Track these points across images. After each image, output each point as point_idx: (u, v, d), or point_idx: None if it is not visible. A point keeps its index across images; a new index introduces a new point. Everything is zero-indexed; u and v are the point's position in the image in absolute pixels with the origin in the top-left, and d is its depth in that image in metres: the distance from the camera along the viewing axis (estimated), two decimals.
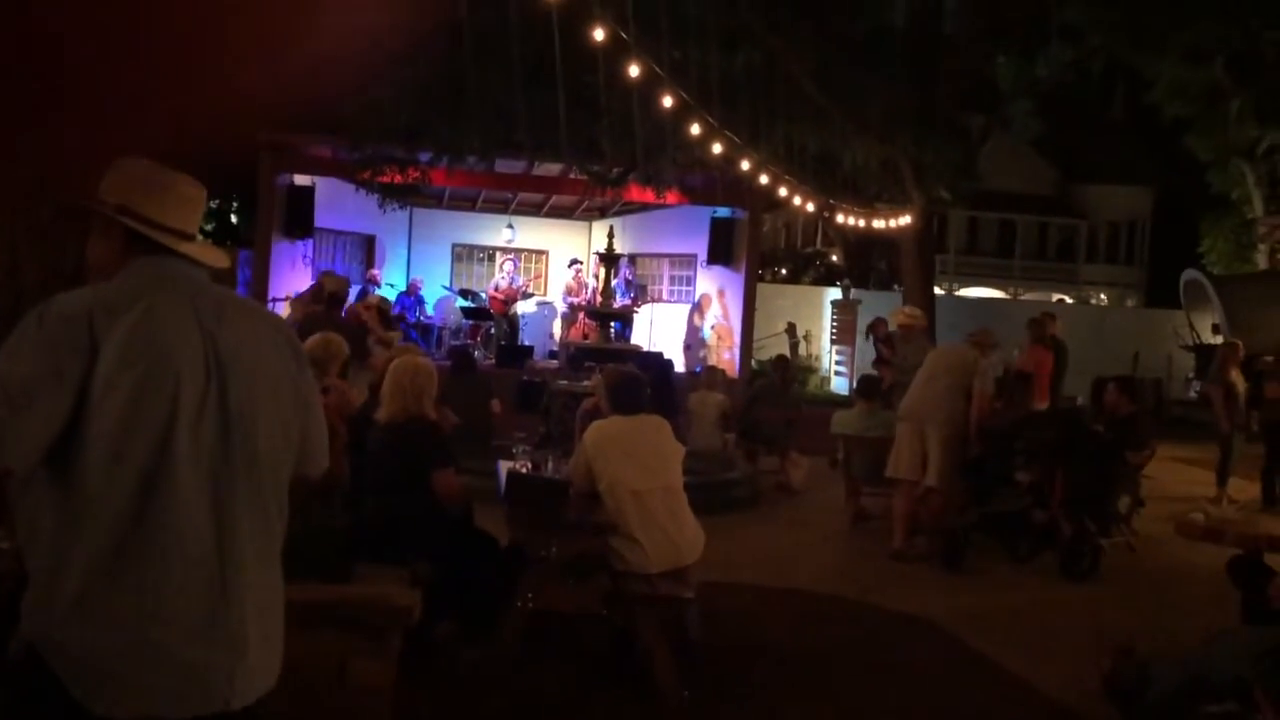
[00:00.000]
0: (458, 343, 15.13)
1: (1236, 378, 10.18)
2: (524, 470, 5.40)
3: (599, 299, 13.02)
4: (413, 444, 4.55)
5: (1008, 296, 35.70)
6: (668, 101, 8.36)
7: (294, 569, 2.17)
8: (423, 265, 16.80)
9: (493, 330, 15.58)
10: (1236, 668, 3.77)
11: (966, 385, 7.37)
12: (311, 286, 10.80)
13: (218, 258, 2.17)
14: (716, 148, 9.56)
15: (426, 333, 15.25)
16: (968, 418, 7.38)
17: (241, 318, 2.06)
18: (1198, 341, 19.53)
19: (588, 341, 12.07)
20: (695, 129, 9.05)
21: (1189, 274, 19.53)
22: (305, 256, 14.88)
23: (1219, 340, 17.17)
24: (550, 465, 5.43)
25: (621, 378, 4.90)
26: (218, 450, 1.92)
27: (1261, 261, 21.06)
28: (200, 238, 2.18)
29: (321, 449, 2.23)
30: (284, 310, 13.43)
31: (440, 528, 4.57)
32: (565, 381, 10.42)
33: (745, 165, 10.35)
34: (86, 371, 1.81)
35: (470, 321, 15.64)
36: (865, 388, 8.80)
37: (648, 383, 5.05)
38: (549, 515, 4.90)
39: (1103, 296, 38.24)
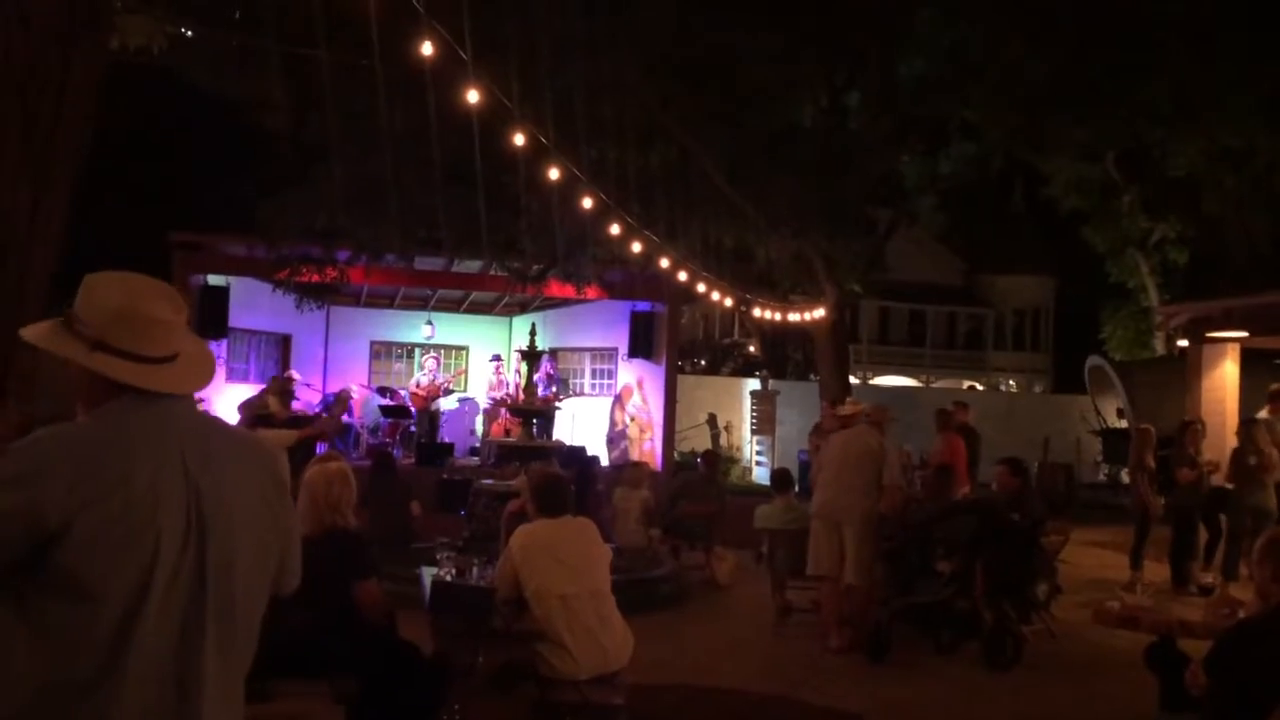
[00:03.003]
0: (376, 441, 14.93)
1: (1150, 462, 10.49)
2: (449, 577, 5.31)
3: (521, 395, 13.00)
4: (333, 557, 4.45)
5: (920, 384, 36.48)
6: (587, 202, 8.51)
7: None
8: (340, 363, 16.63)
9: (413, 428, 15.41)
10: None
11: (877, 476, 7.44)
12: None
13: (200, 375, 2.12)
14: (635, 245, 9.72)
15: (344, 433, 15.01)
16: (878, 509, 7.46)
17: (225, 457, 2.02)
18: (1104, 426, 20.14)
19: (510, 438, 11.99)
20: (614, 228, 9.21)
21: (1093, 360, 20.21)
22: (219, 357, 14.63)
23: (1124, 424, 17.73)
24: (475, 571, 5.35)
25: (546, 480, 4.88)
26: (191, 605, 1.90)
27: (1160, 347, 21.91)
28: (187, 332, 2.13)
29: (295, 570, 2.22)
30: None
31: (363, 640, 4.45)
32: (490, 480, 10.32)
33: (664, 262, 10.53)
34: (63, 517, 1.78)
35: (389, 420, 15.45)
36: (780, 481, 8.88)
37: (571, 481, 5.03)
38: (475, 623, 4.81)
39: (1011, 383, 39.29)
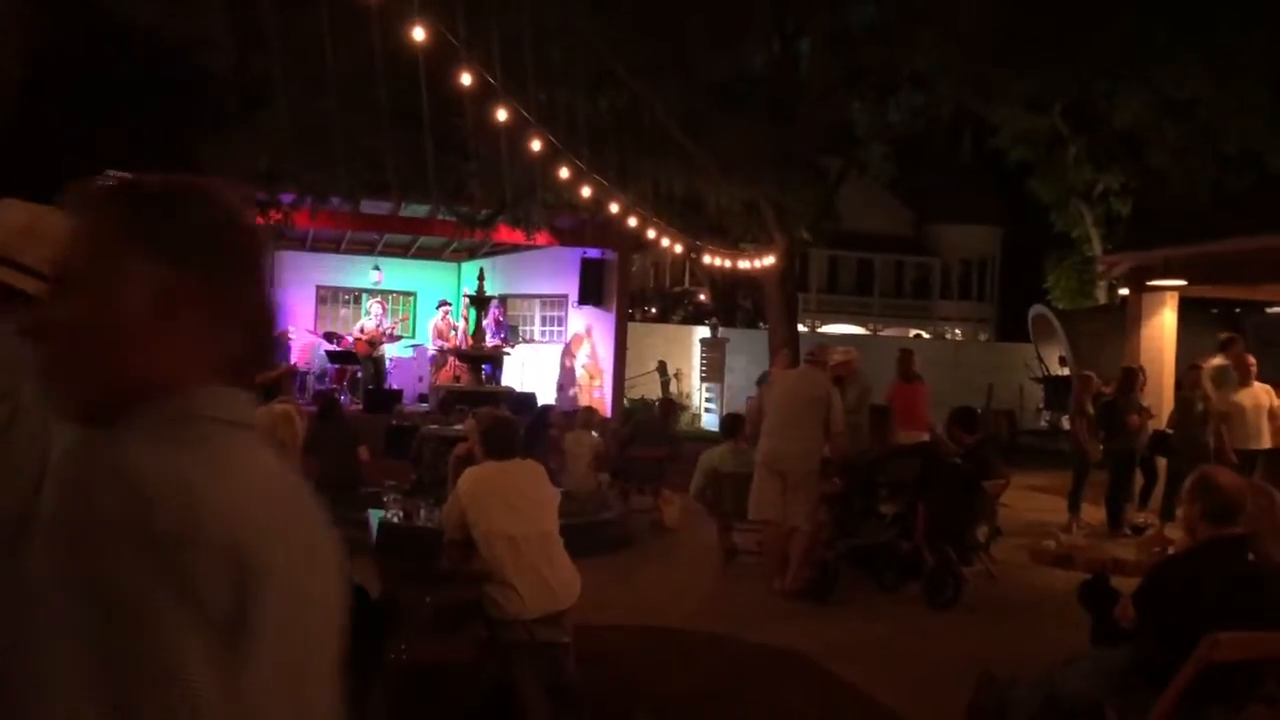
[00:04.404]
0: (323, 387, 14.80)
1: (1089, 408, 10.69)
2: (396, 519, 5.31)
3: (469, 341, 12.94)
4: None
5: (868, 332, 36.83)
6: (536, 145, 8.43)
7: None
8: (286, 309, 16.40)
9: (360, 374, 15.29)
10: (1089, 689, 3.96)
11: (824, 421, 7.46)
12: None
13: None
14: (585, 191, 9.66)
15: (291, 378, 14.85)
16: (824, 454, 7.53)
17: None
18: (1046, 373, 20.50)
19: (459, 384, 11.95)
20: (564, 172, 9.14)
21: (1036, 309, 20.51)
22: None
23: (1065, 372, 18.06)
24: (423, 513, 5.35)
25: (495, 422, 4.88)
26: None
27: (1101, 297, 22.27)
28: None
29: None
30: None
31: None
32: (436, 426, 10.29)
33: (614, 208, 10.48)
34: None
35: (335, 365, 15.31)
36: (730, 426, 8.95)
37: (523, 426, 5.04)
38: (422, 565, 4.83)
39: (957, 332, 39.80)
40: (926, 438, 9.51)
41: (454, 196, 12.37)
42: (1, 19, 3.43)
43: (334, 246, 16.90)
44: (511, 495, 4.64)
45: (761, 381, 11.30)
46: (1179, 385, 10.97)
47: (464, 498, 4.60)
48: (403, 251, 17.22)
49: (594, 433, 9.81)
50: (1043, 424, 20.39)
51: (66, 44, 10.08)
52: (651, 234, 11.89)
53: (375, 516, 5.46)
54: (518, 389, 14.09)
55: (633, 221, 11.08)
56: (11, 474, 1.78)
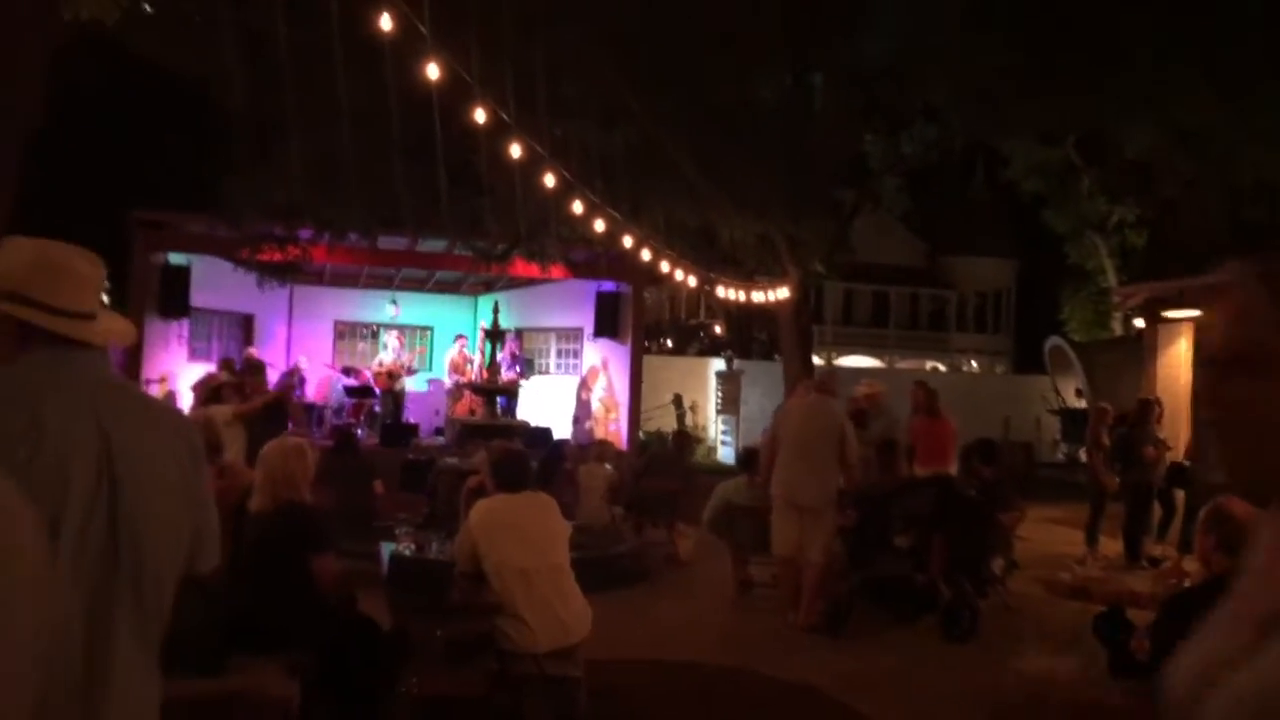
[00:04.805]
0: (340, 422, 14.86)
1: (1105, 440, 10.63)
2: (408, 552, 5.32)
3: (484, 374, 12.99)
4: (288, 531, 4.46)
5: (884, 365, 36.75)
6: (549, 180, 8.49)
7: (165, 664, 2.11)
8: (304, 343, 16.50)
9: (377, 408, 15.34)
10: None
11: (838, 452, 7.43)
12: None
13: (124, 333, 2.11)
14: (599, 224, 9.71)
15: (308, 412, 14.92)
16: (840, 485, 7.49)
17: (139, 416, 2.01)
18: (1063, 405, 20.40)
19: (474, 418, 11.98)
20: (577, 206, 9.20)
21: (1052, 341, 20.45)
22: (181, 336, 14.50)
23: (1082, 404, 17.97)
24: (435, 546, 5.36)
25: (506, 454, 4.89)
26: (102, 559, 1.87)
27: (1118, 328, 22.20)
28: (104, 308, 2.13)
29: (212, 548, 2.17)
30: (157, 392, 13.04)
31: (319, 615, 4.46)
32: (453, 459, 10.32)
33: (627, 241, 10.53)
34: None
35: (353, 400, 15.38)
36: (748, 460, 8.94)
37: (532, 458, 5.06)
38: (434, 597, 4.83)
39: (973, 363, 39.67)
40: (953, 470, 9.45)
41: (470, 231, 12.45)
42: (26, 58, 3.50)
43: (352, 281, 17.02)
44: (522, 527, 4.65)
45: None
46: (1196, 416, 10.91)
47: (475, 530, 4.61)
48: (420, 286, 17.32)
49: (608, 465, 9.81)
50: (1060, 456, 20.27)
51: (88, 83, 10.24)
52: (665, 266, 11.93)
53: (387, 550, 5.47)
54: (533, 422, 14.11)
55: (646, 254, 11.12)
56: (34, 503, 1.80)
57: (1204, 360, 1.26)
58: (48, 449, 1.82)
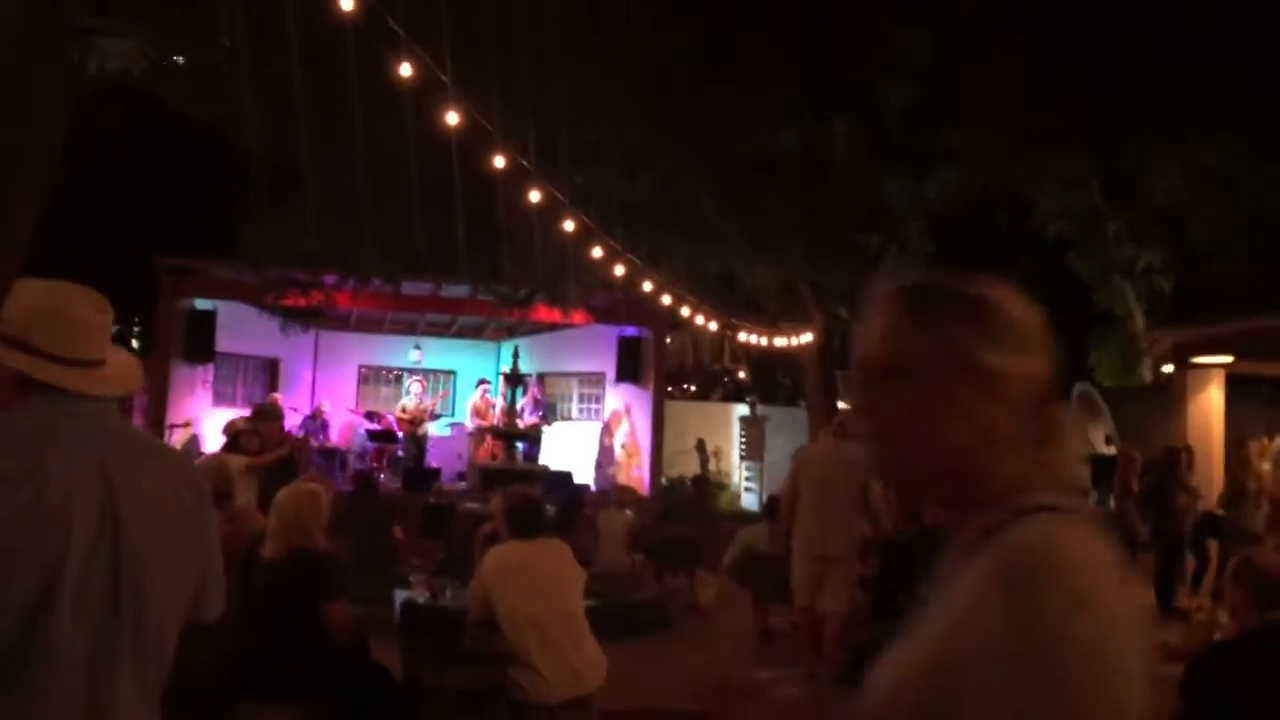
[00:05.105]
0: (362, 466, 14.86)
1: (1134, 487, 10.46)
2: (421, 599, 5.27)
3: (504, 419, 12.99)
4: (300, 578, 4.42)
5: None
6: (569, 225, 8.52)
7: (174, 713, 2.08)
8: (328, 388, 16.57)
9: (400, 452, 15.35)
10: None
11: (860, 498, 7.30)
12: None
13: (125, 381, 2.09)
14: (619, 269, 9.72)
15: (330, 457, 14.94)
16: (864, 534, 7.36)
17: (144, 462, 1.99)
18: (1092, 452, 20.12)
19: (495, 462, 11.96)
20: (597, 252, 9.22)
21: (1080, 387, 20.20)
22: (206, 381, 14.60)
23: (1112, 451, 17.72)
24: (449, 593, 5.31)
25: (519, 501, 4.85)
26: (104, 602, 1.85)
27: (1147, 374, 21.91)
28: (114, 346, 2.12)
29: (217, 595, 2.16)
30: (180, 436, 13.11)
31: (331, 662, 4.41)
32: (473, 504, 10.28)
33: (648, 286, 10.53)
34: None
35: (375, 444, 15.39)
36: (770, 508, 8.83)
37: (553, 503, 5.01)
38: (446, 645, 4.77)
39: None
40: None
41: (491, 276, 12.52)
42: (49, 101, 3.55)
43: (376, 326, 17.11)
44: (535, 575, 4.59)
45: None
46: (1228, 464, 10.72)
47: (487, 577, 4.56)
48: (443, 331, 17.38)
49: (628, 511, 9.74)
50: (1090, 504, 19.96)
51: (115, 130, 10.41)
52: (685, 312, 11.92)
53: (401, 596, 5.42)
54: (555, 467, 14.07)
55: (666, 299, 11.12)
56: (35, 548, 1.79)
57: (854, 372, 1.36)
58: (50, 493, 1.81)
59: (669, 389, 20.42)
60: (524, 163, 7.56)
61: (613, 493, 10.70)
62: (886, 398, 1.27)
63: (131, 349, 30.60)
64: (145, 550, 1.91)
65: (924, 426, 1.24)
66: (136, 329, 30.99)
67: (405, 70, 6.22)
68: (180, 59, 9.56)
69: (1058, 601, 1.08)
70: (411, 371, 16.94)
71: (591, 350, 16.26)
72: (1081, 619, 1.08)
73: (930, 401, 1.24)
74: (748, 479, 20.00)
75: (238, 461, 7.71)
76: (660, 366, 16.21)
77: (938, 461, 1.25)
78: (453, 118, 6.72)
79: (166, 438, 12.84)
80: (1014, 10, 11.76)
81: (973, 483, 1.24)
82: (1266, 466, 9.81)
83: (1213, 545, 10.38)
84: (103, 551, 1.85)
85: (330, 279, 12.74)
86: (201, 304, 14.13)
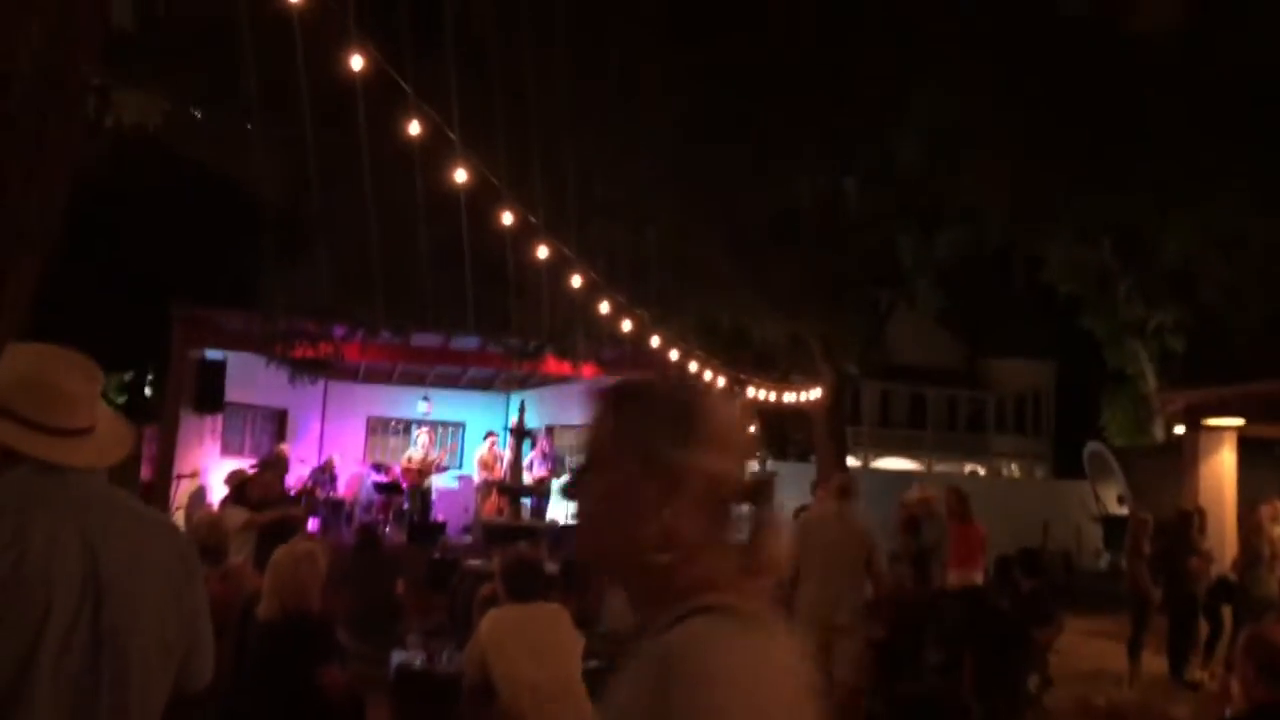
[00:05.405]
0: (368, 519, 14.79)
1: (1146, 550, 10.31)
2: (416, 662, 5.19)
3: (510, 473, 12.92)
4: (294, 643, 4.36)
5: (922, 467, 36.26)
6: (576, 280, 8.53)
7: None
8: (337, 439, 16.55)
9: (405, 505, 15.27)
10: None
11: (864, 561, 7.18)
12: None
13: (112, 450, 2.07)
14: (626, 324, 9.72)
15: (337, 509, 14.88)
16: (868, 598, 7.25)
17: (129, 531, 1.98)
18: (1104, 512, 19.93)
19: (500, 518, 11.87)
20: (605, 306, 9.22)
21: (1092, 446, 20.09)
22: (214, 431, 14.60)
23: (1125, 511, 17.54)
24: (446, 656, 5.23)
25: (517, 563, 4.79)
26: (86, 672, 1.83)
27: (1160, 434, 21.78)
28: (104, 409, 2.10)
29: (205, 664, 2.14)
30: (187, 486, 13.08)
31: None
32: (476, 561, 10.19)
33: (655, 340, 10.53)
34: None
35: (382, 496, 15.32)
36: None
37: (553, 560, 4.95)
38: (440, 711, 4.69)
39: (1013, 467, 39.01)
40: (980, 580, 9.13)
41: (501, 329, 12.53)
42: (55, 151, 3.57)
43: (385, 378, 17.12)
44: (533, 640, 4.52)
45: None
46: (1240, 528, 10.58)
47: (484, 640, 4.49)
48: (453, 382, 17.36)
49: None
50: (1103, 565, 19.72)
51: (129, 180, 10.53)
52: (694, 367, 11.89)
53: (396, 658, 5.35)
54: (564, 521, 13.95)
55: (674, 354, 11.10)
56: (13, 617, 1.77)
57: (572, 465, 1.48)
58: (30, 562, 1.80)
59: None
60: (531, 219, 7.58)
61: None
62: (586, 489, 1.36)
63: (144, 397, 30.70)
64: (129, 619, 1.89)
65: (614, 519, 1.31)
66: (150, 378, 31.15)
67: (414, 128, 6.27)
68: (197, 113, 9.68)
69: (700, 704, 1.13)
70: (420, 423, 16.91)
71: None
72: None
73: (619, 495, 1.30)
74: None
75: (234, 518, 7.64)
76: None
77: (626, 556, 1.30)
78: (461, 174, 6.75)
79: (174, 488, 12.83)
80: (1025, 70, 11.83)
81: (659, 581, 1.28)
82: (1279, 531, 9.66)
83: (1227, 611, 10.21)
84: (84, 621, 1.84)
85: (339, 330, 12.77)
86: (212, 354, 14.17)
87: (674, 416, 1.33)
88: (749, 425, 1.40)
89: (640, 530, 1.27)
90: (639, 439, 1.31)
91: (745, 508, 1.34)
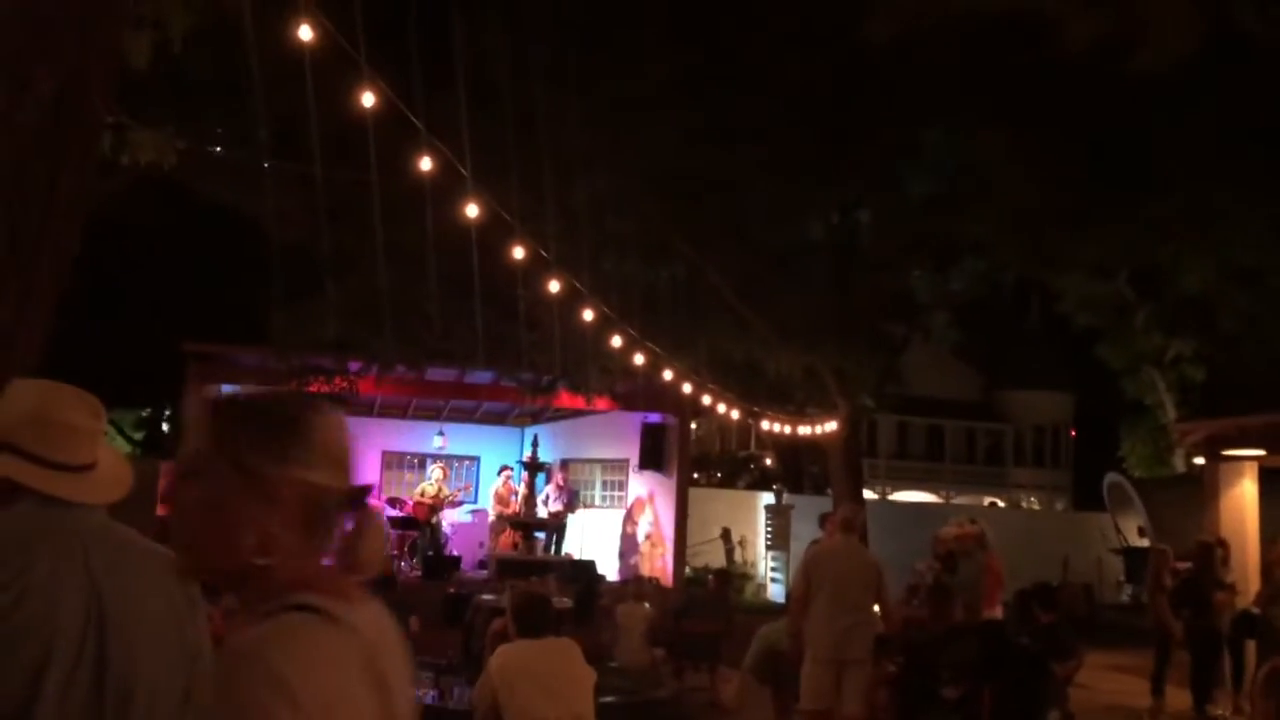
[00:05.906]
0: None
1: (1167, 582, 10.18)
2: (428, 699, 5.16)
3: (524, 507, 12.90)
4: None
5: (940, 500, 36.00)
6: (589, 315, 8.55)
7: None
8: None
9: (419, 540, 15.23)
10: None
11: (874, 596, 7.11)
12: None
13: (114, 487, 2.07)
14: (639, 358, 9.73)
15: None
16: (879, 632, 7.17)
17: (134, 566, 1.97)
18: (1125, 544, 19.72)
19: (513, 553, 11.84)
20: (617, 340, 9.23)
21: (1111, 477, 19.91)
22: None
23: (1146, 543, 17.35)
24: (457, 693, 5.19)
25: (526, 599, 4.76)
26: (88, 710, 1.81)
27: (1180, 465, 21.59)
28: (106, 447, 2.10)
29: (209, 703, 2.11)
30: None
31: None
32: (490, 596, 10.14)
33: (668, 374, 10.52)
34: None
35: (396, 531, 15.28)
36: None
37: (566, 595, 4.91)
38: None
39: (1032, 499, 38.68)
40: (999, 614, 8.99)
41: (515, 363, 12.57)
42: (66, 190, 3.59)
43: (400, 412, 17.15)
44: (544, 676, 4.48)
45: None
46: (1264, 560, 10.44)
47: (494, 678, 4.45)
48: (467, 417, 17.39)
49: (647, 604, 9.57)
50: (1125, 598, 19.49)
51: (144, 218, 10.64)
52: (707, 400, 11.88)
53: None
54: (578, 555, 13.91)
55: (687, 387, 11.10)
56: (16, 654, 1.76)
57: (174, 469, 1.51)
58: (32, 598, 1.80)
59: (694, 475, 20.27)
60: (543, 253, 7.62)
61: (631, 584, 10.52)
62: (182, 496, 1.38)
63: (161, 433, 30.75)
64: (133, 655, 1.88)
65: (212, 527, 1.34)
66: (168, 413, 31.31)
67: (426, 164, 6.31)
68: (213, 150, 9.80)
69: (259, 690, 1.20)
70: (435, 457, 16.90)
71: (615, 436, 16.19)
72: (279, 705, 1.19)
73: (217, 504, 1.34)
74: (774, 569, 19.70)
75: None
76: (685, 453, 16.10)
77: (221, 560, 1.35)
78: (473, 209, 6.79)
79: None
80: (1041, 104, 11.86)
81: (260, 583, 1.33)
82: None
83: (1250, 645, 10.06)
84: (88, 657, 1.83)
85: (354, 365, 12.83)
86: (227, 390, 14.22)
87: (274, 431, 1.37)
88: (352, 438, 1.46)
89: (238, 539, 1.32)
90: (236, 451, 1.35)
91: (347, 513, 1.40)
